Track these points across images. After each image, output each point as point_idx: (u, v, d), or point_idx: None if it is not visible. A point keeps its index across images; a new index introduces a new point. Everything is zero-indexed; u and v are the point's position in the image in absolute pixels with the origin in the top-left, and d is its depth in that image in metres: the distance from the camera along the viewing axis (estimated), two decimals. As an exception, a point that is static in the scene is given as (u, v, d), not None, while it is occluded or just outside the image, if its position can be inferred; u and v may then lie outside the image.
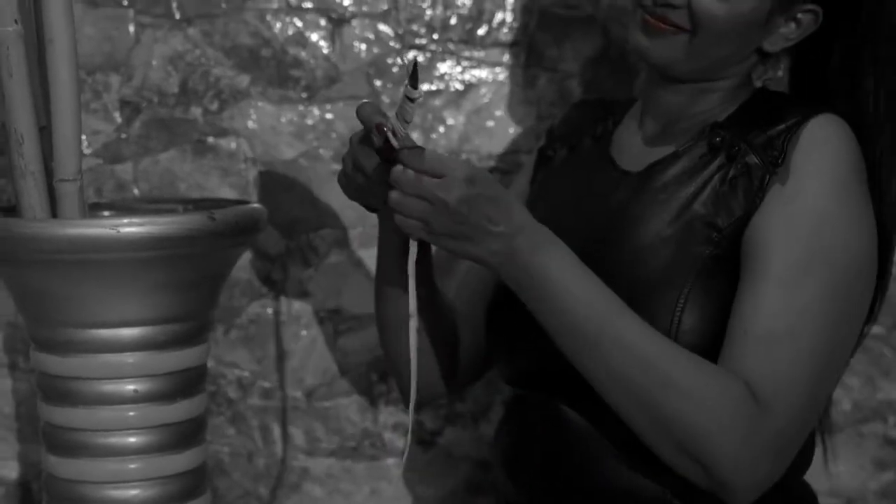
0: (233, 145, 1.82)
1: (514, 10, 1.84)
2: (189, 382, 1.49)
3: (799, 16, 1.38)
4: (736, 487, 1.26)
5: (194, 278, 1.46)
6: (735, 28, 1.35)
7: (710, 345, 1.30)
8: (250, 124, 1.82)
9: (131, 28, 1.80)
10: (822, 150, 1.31)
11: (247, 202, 1.55)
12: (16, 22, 1.42)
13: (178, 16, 1.80)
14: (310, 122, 1.83)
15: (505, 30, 1.84)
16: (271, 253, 1.84)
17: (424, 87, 1.83)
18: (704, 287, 1.32)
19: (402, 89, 1.23)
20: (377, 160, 1.30)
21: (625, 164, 1.45)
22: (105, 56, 1.80)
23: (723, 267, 1.32)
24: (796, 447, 1.31)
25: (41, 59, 1.45)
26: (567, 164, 1.54)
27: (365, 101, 1.28)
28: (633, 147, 1.47)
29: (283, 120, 1.82)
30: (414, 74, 1.20)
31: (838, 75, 1.40)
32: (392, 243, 1.42)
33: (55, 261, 1.39)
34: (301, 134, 1.83)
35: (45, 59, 1.42)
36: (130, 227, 1.37)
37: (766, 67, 1.45)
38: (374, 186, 1.32)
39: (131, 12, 1.80)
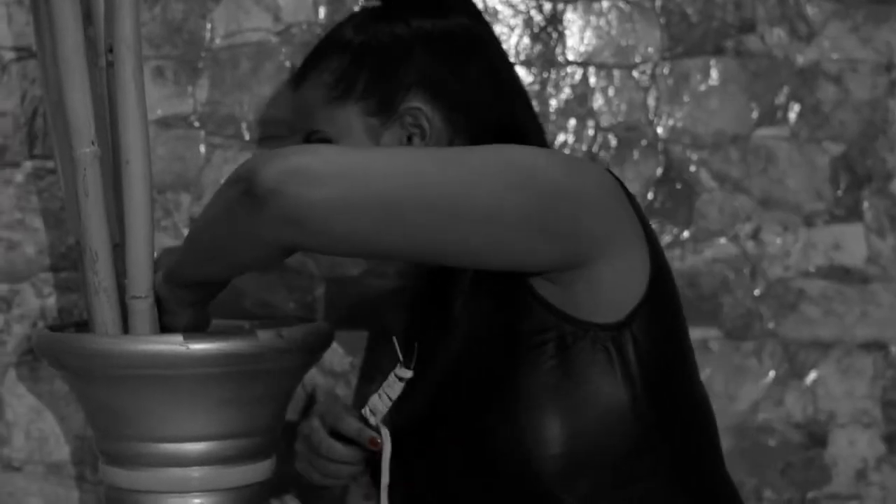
0: (299, 262, 1.85)
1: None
2: (254, 497, 1.50)
3: (408, 121, 1.43)
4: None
5: (261, 394, 1.47)
6: None
7: None
8: (316, 242, 1.85)
9: (202, 148, 1.84)
10: None
11: (313, 320, 1.58)
12: (92, 143, 1.46)
13: (247, 137, 1.84)
14: (375, 240, 1.85)
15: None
16: (336, 370, 1.86)
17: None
18: None
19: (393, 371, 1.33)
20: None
21: None
22: (176, 175, 1.83)
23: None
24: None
25: (116, 178, 1.49)
26: None
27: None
28: None
29: (349, 238, 1.85)
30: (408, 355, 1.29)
31: None
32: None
33: (126, 376, 1.42)
34: (366, 252, 1.85)
35: (121, 179, 1.45)
36: (200, 344, 1.40)
37: None
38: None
39: (202, 133, 1.84)
